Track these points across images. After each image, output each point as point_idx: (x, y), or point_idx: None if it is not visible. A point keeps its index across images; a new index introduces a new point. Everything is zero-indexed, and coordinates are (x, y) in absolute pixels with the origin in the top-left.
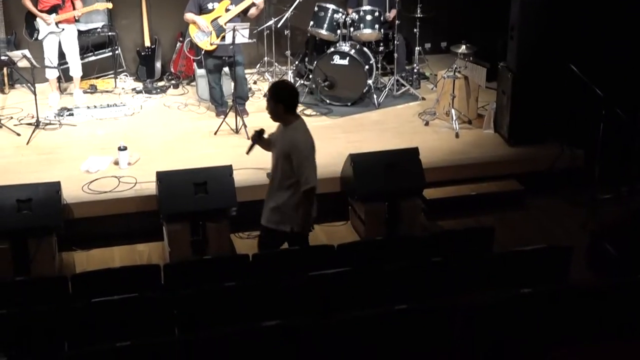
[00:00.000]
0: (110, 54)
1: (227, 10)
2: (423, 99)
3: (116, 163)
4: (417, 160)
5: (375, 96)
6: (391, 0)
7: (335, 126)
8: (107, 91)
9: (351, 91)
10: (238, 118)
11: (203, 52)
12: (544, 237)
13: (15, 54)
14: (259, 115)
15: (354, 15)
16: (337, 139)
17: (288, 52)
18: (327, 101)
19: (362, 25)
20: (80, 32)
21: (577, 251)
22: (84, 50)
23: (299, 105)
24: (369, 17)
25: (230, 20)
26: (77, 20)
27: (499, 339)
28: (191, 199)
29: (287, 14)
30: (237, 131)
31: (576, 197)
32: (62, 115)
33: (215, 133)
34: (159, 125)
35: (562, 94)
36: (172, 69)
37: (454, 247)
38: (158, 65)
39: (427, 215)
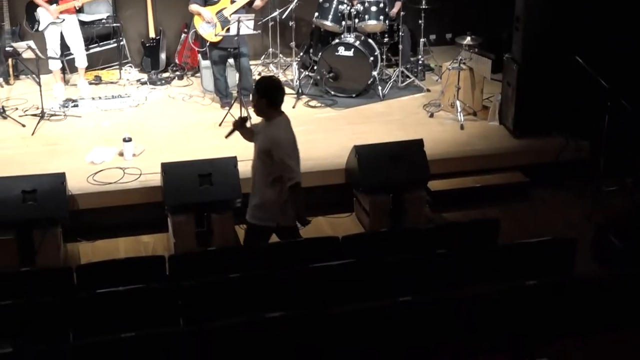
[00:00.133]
0: (115, 45)
1: (232, 1)
2: (428, 90)
3: (121, 154)
4: (421, 152)
5: (380, 88)
6: None
7: (339, 118)
8: (111, 82)
9: (356, 83)
10: (243, 109)
11: (208, 44)
12: (549, 229)
13: (20, 45)
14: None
15: (359, 7)
16: (341, 131)
17: (293, 44)
18: (332, 93)
19: (367, 16)
20: (84, 23)
21: (582, 243)
22: (88, 42)
23: (304, 96)
24: (373, 9)
25: (235, 12)
26: (80, 11)
27: (503, 331)
28: (196, 190)
29: (292, 5)
30: None
31: (581, 189)
32: (66, 107)
33: (220, 124)
34: (164, 116)
35: (568, 85)
36: (176, 60)
37: (459, 239)
38: (163, 56)
39: (432, 207)
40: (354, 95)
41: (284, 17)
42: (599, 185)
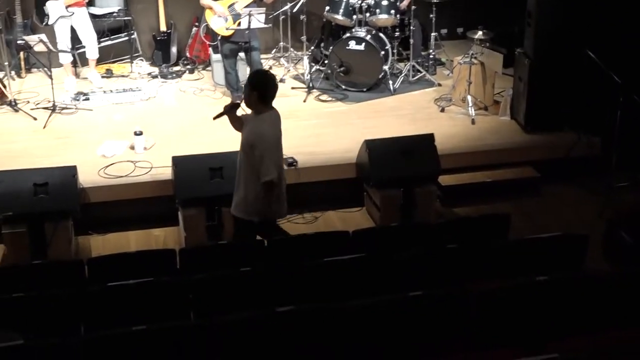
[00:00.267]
0: (126, 38)
1: None
2: (439, 85)
3: (132, 148)
4: (432, 147)
5: (390, 82)
6: None
7: (350, 112)
8: (123, 76)
9: (367, 77)
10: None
11: (219, 37)
12: (560, 224)
13: (32, 38)
14: (274, 101)
15: (370, 1)
16: (352, 125)
17: (304, 38)
18: (343, 87)
19: (378, 10)
20: (96, 17)
21: (593, 239)
22: (100, 35)
23: (314, 90)
24: (384, 3)
25: (246, 6)
26: (91, 4)
27: (513, 327)
28: (207, 183)
29: None
30: None
31: (593, 185)
32: (78, 100)
33: None
34: (175, 110)
35: (579, 80)
36: (187, 54)
37: (469, 234)
38: (174, 50)
39: (443, 202)
40: (364, 90)
41: (295, 10)
42: (610, 181)
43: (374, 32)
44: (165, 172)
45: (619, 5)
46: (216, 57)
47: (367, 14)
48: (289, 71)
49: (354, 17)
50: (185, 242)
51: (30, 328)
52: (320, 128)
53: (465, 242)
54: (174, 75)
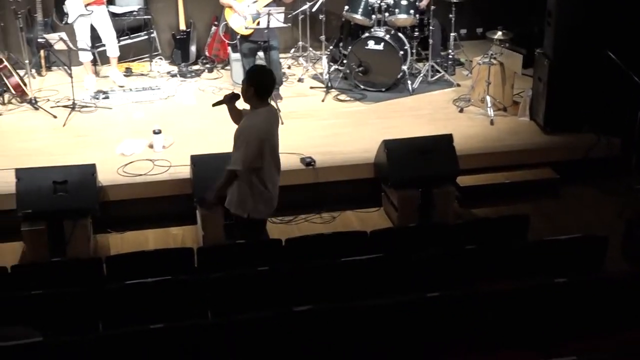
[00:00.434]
0: (146, 37)
1: None
2: (458, 85)
3: (151, 146)
4: (451, 147)
5: (409, 82)
6: None
7: (369, 112)
8: (142, 74)
9: (385, 77)
10: (272, 102)
11: (238, 37)
12: (579, 226)
13: (52, 37)
14: (293, 100)
15: (389, 0)
16: (370, 125)
17: (322, 37)
18: (361, 86)
19: (397, 10)
20: (115, 15)
21: (613, 240)
22: (119, 34)
23: (333, 90)
24: (404, 2)
25: (266, 5)
26: (111, 3)
27: (532, 328)
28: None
29: None
30: None
31: (612, 186)
32: (97, 98)
33: None
34: (194, 109)
35: (599, 81)
36: (206, 53)
37: (488, 235)
38: (193, 49)
39: (461, 203)
40: (383, 90)
41: (314, 10)
42: (630, 182)
43: (392, 31)
44: (183, 170)
45: (639, 5)
46: (235, 56)
47: (386, 14)
48: (308, 71)
49: (373, 16)
50: (203, 240)
51: (49, 325)
52: (338, 128)
53: (483, 243)
54: (193, 74)
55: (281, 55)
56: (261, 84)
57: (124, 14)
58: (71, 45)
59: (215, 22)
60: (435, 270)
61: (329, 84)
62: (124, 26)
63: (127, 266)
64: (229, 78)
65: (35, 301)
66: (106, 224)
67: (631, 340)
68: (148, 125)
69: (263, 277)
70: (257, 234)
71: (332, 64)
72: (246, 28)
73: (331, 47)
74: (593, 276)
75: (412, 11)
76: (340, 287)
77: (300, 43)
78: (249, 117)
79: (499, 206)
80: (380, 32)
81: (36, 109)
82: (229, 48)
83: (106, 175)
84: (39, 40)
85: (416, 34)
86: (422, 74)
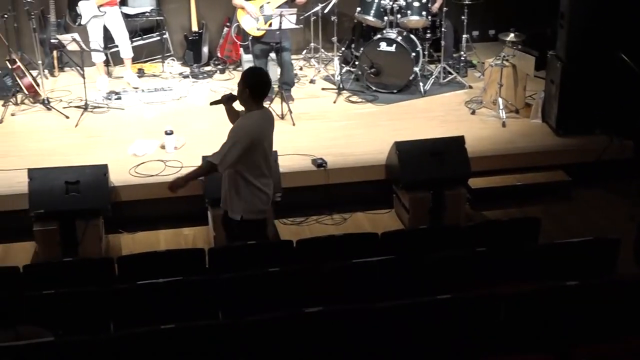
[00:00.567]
0: (158, 38)
1: None
2: (470, 87)
3: (163, 147)
4: (462, 149)
5: (421, 84)
6: None
7: (380, 113)
8: (154, 75)
9: (397, 78)
10: (284, 104)
11: (250, 38)
12: (591, 229)
13: (65, 38)
14: (304, 101)
15: (402, 2)
16: (382, 127)
17: (334, 38)
18: (373, 88)
19: (409, 12)
20: (128, 16)
21: (625, 243)
22: (132, 34)
23: (345, 91)
24: (416, 4)
25: (278, 7)
26: (124, 4)
27: (543, 332)
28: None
29: (334, 0)
30: (282, 117)
31: (624, 189)
32: (110, 99)
33: None
34: (206, 110)
35: (612, 83)
36: (218, 54)
37: (499, 237)
38: (205, 50)
39: (472, 205)
40: (395, 91)
41: (326, 11)
42: None
43: (405, 33)
44: None
45: None
46: (247, 57)
47: (399, 16)
48: (320, 72)
49: (385, 18)
50: (214, 241)
51: (60, 325)
52: (350, 129)
53: (495, 246)
54: (205, 75)
55: (293, 56)
56: (257, 86)
57: (136, 15)
58: (84, 46)
59: (228, 24)
60: (446, 272)
61: (341, 86)
62: (137, 27)
63: (138, 266)
64: None
65: (47, 301)
66: (118, 224)
67: None
68: (160, 126)
69: (274, 278)
70: (255, 236)
71: (344, 65)
72: (258, 29)
73: (343, 49)
74: (605, 279)
75: (424, 13)
76: (351, 289)
77: (312, 44)
78: (243, 118)
79: (511, 208)
80: (392, 34)
81: (49, 109)
82: (241, 49)
83: (118, 176)
84: (52, 41)
85: (428, 35)
86: (434, 76)
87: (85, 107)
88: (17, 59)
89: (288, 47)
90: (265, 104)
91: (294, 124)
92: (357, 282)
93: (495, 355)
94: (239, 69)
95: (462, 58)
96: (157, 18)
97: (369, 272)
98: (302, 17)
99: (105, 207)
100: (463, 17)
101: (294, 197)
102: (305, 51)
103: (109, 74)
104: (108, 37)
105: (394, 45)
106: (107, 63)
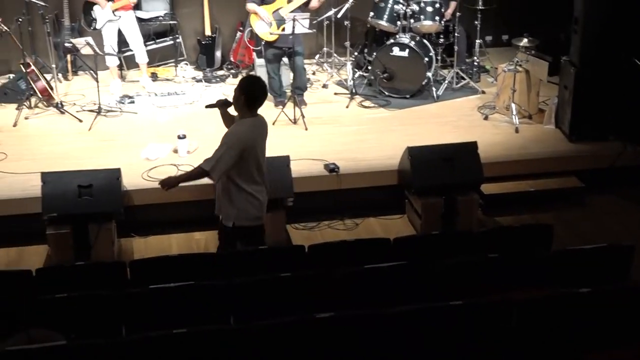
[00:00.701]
0: (171, 42)
1: (288, 1)
2: (483, 92)
3: (175, 151)
4: (475, 155)
5: (434, 89)
6: None
7: (393, 118)
8: (167, 79)
9: (410, 83)
10: (296, 108)
11: (263, 42)
12: (604, 235)
13: (79, 41)
14: (317, 106)
15: (415, 7)
16: (395, 132)
17: (347, 43)
18: (386, 93)
19: (422, 16)
20: (142, 20)
21: (639, 250)
22: (145, 39)
23: (357, 96)
24: (429, 9)
25: (291, 12)
26: (137, 8)
27: (555, 338)
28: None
29: (347, 5)
30: (295, 122)
31: (638, 195)
32: (123, 103)
33: (274, 123)
34: (218, 114)
35: (626, 89)
36: (231, 59)
37: (512, 243)
38: (218, 54)
39: (485, 211)
40: (408, 96)
41: (339, 16)
42: None
43: (418, 38)
44: None
45: None
46: (260, 61)
47: (412, 20)
48: (332, 77)
49: (398, 23)
50: None
51: (72, 329)
52: (362, 134)
53: (507, 252)
54: (218, 79)
55: (306, 61)
56: (252, 94)
57: (150, 19)
58: (97, 50)
59: (241, 28)
60: (458, 278)
61: (354, 90)
62: (150, 31)
63: (150, 270)
64: None
65: (59, 305)
66: (130, 228)
67: None
68: (173, 130)
69: (286, 284)
70: (249, 242)
71: (356, 70)
72: (271, 34)
73: (356, 54)
74: (618, 286)
75: (437, 18)
76: (363, 295)
77: (325, 49)
78: (236, 125)
79: (523, 214)
80: (405, 39)
81: (62, 113)
82: (254, 54)
83: (131, 180)
84: (66, 44)
85: (441, 40)
86: (446, 81)
87: (98, 111)
88: (31, 62)
89: (301, 52)
90: (278, 109)
91: (306, 129)
92: (369, 288)
93: None
94: (252, 73)
95: (475, 63)
96: (171, 22)
97: (381, 278)
98: (315, 22)
99: (117, 210)
100: (476, 22)
101: (306, 202)
102: (318, 56)
103: (122, 77)
104: (122, 41)
105: (407, 50)
106: (120, 67)
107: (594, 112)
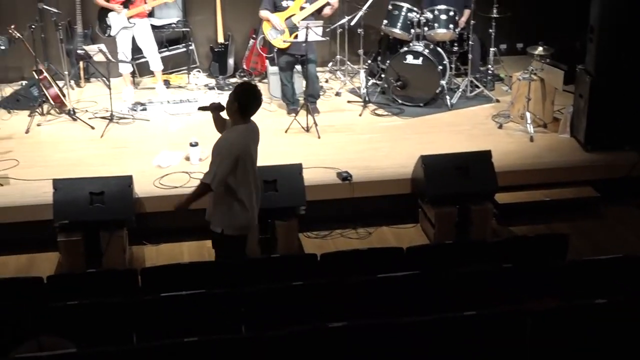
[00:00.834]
0: (184, 49)
1: (301, 8)
2: (497, 101)
3: (187, 159)
4: (489, 164)
5: (448, 97)
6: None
7: (406, 127)
8: (180, 87)
9: (424, 91)
10: (309, 116)
11: (276, 50)
12: (620, 246)
13: (92, 48)
14: (330, 114)
15: (429, 15)
16: (408, 140)
17: (361, 51)
18: (399, 101)
19: (436, 24)
20: (155, 28)
21: None
22: (158, 46)
23: (371, 104)
24: (443, 17)
25: (304, 19)
26: (150, 15)
27: (570, 350)
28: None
29: (361, 13)
30: (307, 129)
31: None
32: (135, 110)
33: (286, 131)
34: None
35: None
36: (244, 66)
37: (526, 253)
38: (231, 61)
39: (499, 220)
40: (421, 104)
41: (352, 24)
42: None
43: (431, 46)
44: None
45: None
46: (273, 69)
47: (425, 28)
48: (345, 85)
49: (412, 31)
50: None
51: (83, 336)
52: (375, 142)
53: (521, 262)
54: (231, 87)
55: (319, 68)
56: (246, 102)
57: (163, 27)
58: (110, 57)
59: (254, 35)
60: (472, 288)
61: (367, 98)
62: (163, 38)
63: (161, 278)
64: (266, 91)
65: (70, 312)
66: (142, 236)
67: None
68: (185, 137)
69: (298, 292)
70: (233, 252)
71: (370, 78)
72: (284, 41)
73: (369, 61)
74: (634, 297)
75: (451, 26)
76: (375, 304)
77: (338, 57)
78: (227, 132)
79: (538, 224)
80: (419, 47)
81: (74, 120)
82: (267, 61)
83: (142, 187)
84: (79, 51)
85: (455, 48)
86: (460, 89)
87: (110, 118)
88: (43, 69)
89: (314, 60)
90: (291, 116)
91: (319, 137)
92: (382, 297)
93: None
94: (265, 81)
95: (490, 71)
96: (184, 29)
97: (393, 287)
98: (328, 30)
99: (129, 218)
100: (490, 30)
101: (318, 211)
102: (331, 63)
103: (135, 85)
104: (135, 48)
105: (421, 58)
106: (133, 74)
107: (609, 121)
